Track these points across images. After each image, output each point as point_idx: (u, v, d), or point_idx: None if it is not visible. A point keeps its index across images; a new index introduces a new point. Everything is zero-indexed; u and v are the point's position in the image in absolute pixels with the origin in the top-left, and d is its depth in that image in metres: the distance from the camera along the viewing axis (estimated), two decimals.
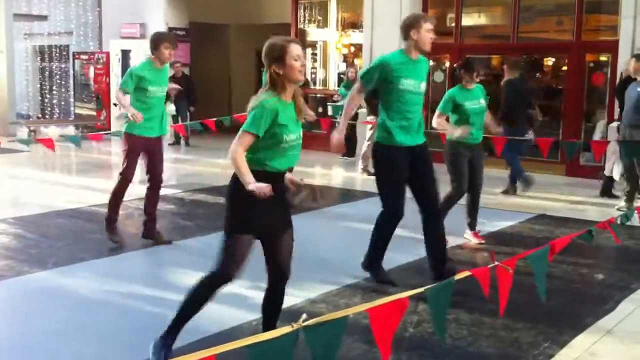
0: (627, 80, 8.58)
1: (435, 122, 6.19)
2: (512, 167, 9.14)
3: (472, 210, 6.53)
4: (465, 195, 6.38)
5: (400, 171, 5.06)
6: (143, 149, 6.18)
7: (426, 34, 4.98)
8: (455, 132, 6.04)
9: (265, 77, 3.56)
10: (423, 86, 5.12)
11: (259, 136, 3.43)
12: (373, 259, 5.30)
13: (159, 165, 6.29)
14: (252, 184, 3.33)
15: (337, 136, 5.06)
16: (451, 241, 6.38)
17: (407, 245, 6.12)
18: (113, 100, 15.21)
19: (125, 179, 6.22)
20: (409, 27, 5.03)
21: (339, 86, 13.63)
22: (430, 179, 5.17)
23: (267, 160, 3.49)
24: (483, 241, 6.54)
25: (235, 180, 3.50)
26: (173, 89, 7.02)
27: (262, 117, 3.41)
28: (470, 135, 6.12)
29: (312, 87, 14.26)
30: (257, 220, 3.53)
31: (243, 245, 3.57)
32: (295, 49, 3.50)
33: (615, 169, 8.62)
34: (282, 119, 3.46)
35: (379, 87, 5.07)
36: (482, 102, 6.32)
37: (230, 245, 3.58)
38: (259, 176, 3.41)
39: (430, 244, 5.25)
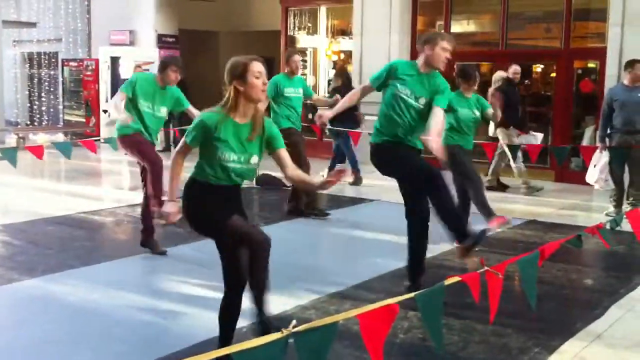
0: None
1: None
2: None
3: (464, 215, 6.52)
4: (456, 200, 6.39)
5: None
6: (140, 143, 6.07)
7: (440, 52, 4.95)
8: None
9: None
10: (422, 101, 4.97)
11: (191, 147, 3.55)
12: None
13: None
14: (167, 201, 3.53)
15: (322, 114, 5.18)
16: (442, 247, 6.40)
17: (398, 251, 6.13)
18: (102, 107, 15.18)
19: (154, 163, 6.04)
20: (425, 42, 5.04)
21: (328, 93, 13.65)
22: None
23: (209, 173, 3.54)
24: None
25: (186, 192, 3.60)
26: None
27: (195, 129, 3.52)
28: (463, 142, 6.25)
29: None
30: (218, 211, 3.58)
31: (238, 224, 3.56)
32: (257, 66, 3.51)
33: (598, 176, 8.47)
34: (223, 136, 3.48)
35: (383, 90, 5.06)
36: (477, 113, 6.35)
37: (228, 233, 3.55)
38: (204, 188, 3.53)
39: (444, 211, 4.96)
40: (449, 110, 6.14)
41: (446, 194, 4.90)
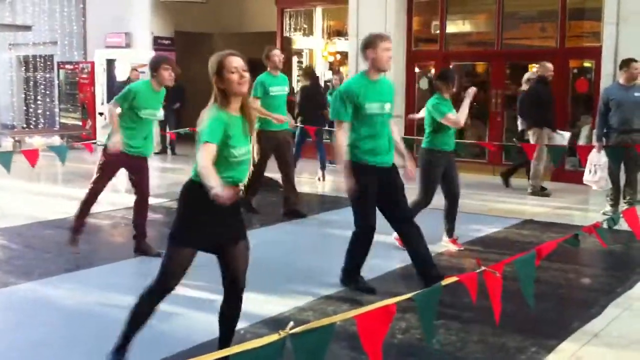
0: None
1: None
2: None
3: (451, 218, 6.53)
4: (444, 203, 6.41)
5: (371, 188, 5.01)
6: (123, 165, 6.10)
7: (383, 53, 4.93)
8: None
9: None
10: (388, 107, 5.04)
11: (216, 146, 3.40)
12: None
13: (144, 184, 6.20)
14: (215, 189, 3.23)
15: (349, 183, 4.95)
16: (439, 247, 6.41)
17: (395, 252, 6.14)
18: (99, 109, 15.16)
19: (94, 191, 6.16)
20: (365, 47, 5.00)
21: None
22: (399, 188, 5.14)
23: (219, 173, 3.42)
24: (462, 248, 6.53)
25: (189, 190, 3.53)
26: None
27: (217, 125, 3.42)
28: (447, 143, 6.25)
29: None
30: (205, 231, 3.52)
31: (184, 258, 3.57)
32: (232, 61, 3.48)
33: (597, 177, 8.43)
34: (230, 131, 3.45)
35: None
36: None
37: (170, 257, 3.58)
38: (206, 189, 3.37)
39: (414, 250, 5.21)
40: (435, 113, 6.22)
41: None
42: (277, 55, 7.83)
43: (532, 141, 9.23)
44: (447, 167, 6.30)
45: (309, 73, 11.40)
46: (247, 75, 3.51)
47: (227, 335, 3.73)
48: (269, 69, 7.82)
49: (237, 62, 3.49)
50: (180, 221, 3.58)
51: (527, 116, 9.46)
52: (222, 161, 3.46)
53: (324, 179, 10.62)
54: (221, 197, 3.22)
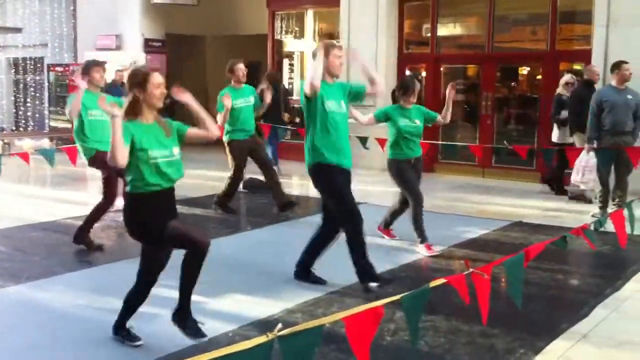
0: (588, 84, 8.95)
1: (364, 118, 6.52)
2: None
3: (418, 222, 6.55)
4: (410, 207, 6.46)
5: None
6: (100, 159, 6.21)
7: (334, 59, 5.25)
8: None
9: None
10: (343, 104, 5.31)
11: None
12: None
13: (113, 186, 6.51)
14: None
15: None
16: (430, 250, 6.42)
17: (384, 254, 6.15)
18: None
19: (107, 198, 6.60)
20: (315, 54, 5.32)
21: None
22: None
23: (144, 179, 3.86)
24: (396, 237, 6.79)
25: (130, 203, 3.98)
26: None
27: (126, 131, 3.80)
28: (410, 150, 6.40)
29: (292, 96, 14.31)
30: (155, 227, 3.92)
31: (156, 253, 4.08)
32: (156, 77, 3.91)
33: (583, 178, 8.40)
34: (143, 137, 3.83)
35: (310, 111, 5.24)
36: (417, 122, 6.45)
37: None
38: (146, 198, 3.87)
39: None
40: (390, 125, 6.41)
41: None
42: (241, 69, 8.05)
43: (577, 145, 9.04)
44: (414, 172, 6.50)
45: (271, 74, 11.63)
46: (165, 91, 3.95)
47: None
48: (232, 82, 8.03)
49: (160, 79, 3.93)
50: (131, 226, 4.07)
51: (572, 120, 9.24)
52: (143, 165, 3.85)
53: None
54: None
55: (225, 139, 8.00)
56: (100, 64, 6.69)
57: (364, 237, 5.24)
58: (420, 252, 6.38)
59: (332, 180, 5.24)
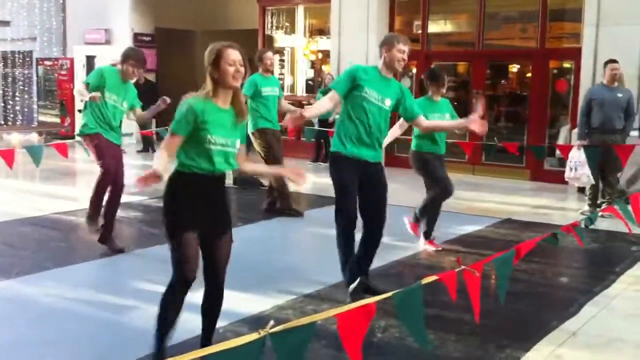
0: None
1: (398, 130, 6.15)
2: None
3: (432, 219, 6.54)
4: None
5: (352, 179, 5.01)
6: (105, 144, 6.06)
7: (397, 53, 4.98)
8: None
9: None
10: (388, 102, 4.99)
11: (181, 136, 3.45)
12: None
13: (119, 174, 6.17)
14: (154, 168, 3.35)
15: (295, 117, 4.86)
16: (418, 246, 6.43)
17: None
18: (78, 106, 15.02)
19: (106, 171, 6.09)
20: (382, 45, 5.10)
21: (307, 92, 13.70)
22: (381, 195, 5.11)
23: (195, 161, 3.47)
24: (440, 248, 6.51)
25: (169, 184, 3.53)
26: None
27: (183, 115, 3.44)
28: (437, 146, 6.23)
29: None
30: (194, 214, 3.50)
31: (189, 245, 3.50)
32: (231, 54, 3.49)
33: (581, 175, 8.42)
34: (208, 119, 3.45)
35: (347, 94, 4.97)
36: (448, 117, 6.26)
37: (177, 248, 3.51)
38: (190, 178, 3.47)
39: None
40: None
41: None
42: (270, 58, 7.92)
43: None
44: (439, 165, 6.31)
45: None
46: (242, 70, 3.51)
47: (208, 328, 3.73)
48: (260, 70, 7.88)
49: (236, 55, 3.50)
50: (168, 211, 3.54)
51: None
52: (197, 147, 3.47)
53: None
54: (144, 177, 3.33)
55: (250, 129, 7.70)
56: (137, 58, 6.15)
57: (349, 239, 5.10)
58: (425, 247, 6.44)
59: (342, 173, 5.00)
